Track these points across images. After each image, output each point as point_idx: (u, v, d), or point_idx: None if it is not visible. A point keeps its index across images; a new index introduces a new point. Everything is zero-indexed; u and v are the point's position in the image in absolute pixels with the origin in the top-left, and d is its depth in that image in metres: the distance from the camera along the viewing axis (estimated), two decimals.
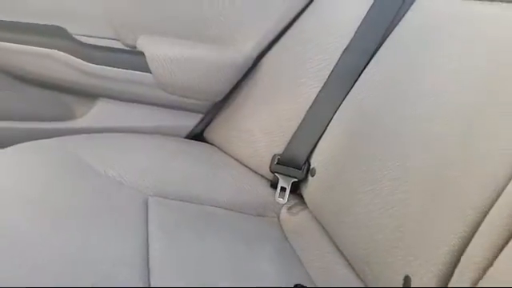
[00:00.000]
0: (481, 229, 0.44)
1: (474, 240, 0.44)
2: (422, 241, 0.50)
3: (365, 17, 0.78)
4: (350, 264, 0.63)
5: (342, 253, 0.65)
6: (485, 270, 0.41)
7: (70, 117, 0.91)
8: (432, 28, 0.66)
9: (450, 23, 0.63)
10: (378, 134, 0.64)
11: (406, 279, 0.49)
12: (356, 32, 0.77)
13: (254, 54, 0.88)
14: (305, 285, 0.61)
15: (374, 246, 0.57)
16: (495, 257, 0.41)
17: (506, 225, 0.42)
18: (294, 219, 0.77)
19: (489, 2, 0.60)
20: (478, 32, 0.58)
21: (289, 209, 0.78)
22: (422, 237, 0.50)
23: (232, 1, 0.87)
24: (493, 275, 0.40)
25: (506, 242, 0.41)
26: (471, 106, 0.52)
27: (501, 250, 0.41)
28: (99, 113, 0.91)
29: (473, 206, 0.45)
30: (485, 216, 0.44)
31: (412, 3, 0.73)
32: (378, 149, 0.62)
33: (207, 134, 0.96)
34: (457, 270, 0.44)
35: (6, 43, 0.84)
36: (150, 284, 0.54)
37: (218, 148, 0.91)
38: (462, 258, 0.44)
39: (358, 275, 0.61)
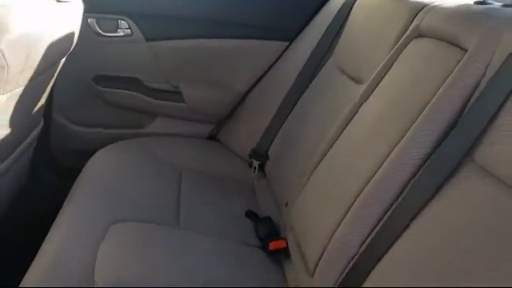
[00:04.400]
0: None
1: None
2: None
3: (301, 70, 1.40)
4: (277, 204, 1.26)
5: (276, 200, 1.29)
6: None
7: (140, 126, 1.59)
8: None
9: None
10: (302, 137, 1.27)
11: (286, 204, 1.13)
12: (295, 80, 1.40)
13: (244, 91, 1.53)
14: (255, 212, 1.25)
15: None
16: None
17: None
18: (260, 184, 1.39)
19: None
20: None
21: (258, 179, 1.41)
22: None
23: (230, 57, 1.50)
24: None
25: None
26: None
27: None
28: (157, 124, 1.59)
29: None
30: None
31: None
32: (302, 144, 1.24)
33: (219, 136, 1.62)
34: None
35: (107, 89, 1.53)
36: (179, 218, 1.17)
37: (224, 144, 1.57)
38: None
39: (280, 211, 1.24)
